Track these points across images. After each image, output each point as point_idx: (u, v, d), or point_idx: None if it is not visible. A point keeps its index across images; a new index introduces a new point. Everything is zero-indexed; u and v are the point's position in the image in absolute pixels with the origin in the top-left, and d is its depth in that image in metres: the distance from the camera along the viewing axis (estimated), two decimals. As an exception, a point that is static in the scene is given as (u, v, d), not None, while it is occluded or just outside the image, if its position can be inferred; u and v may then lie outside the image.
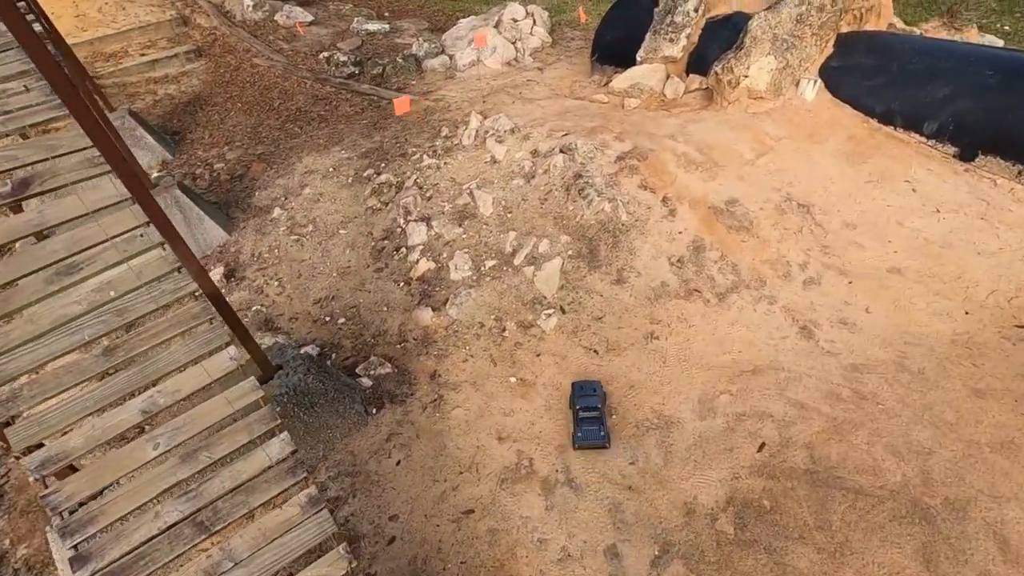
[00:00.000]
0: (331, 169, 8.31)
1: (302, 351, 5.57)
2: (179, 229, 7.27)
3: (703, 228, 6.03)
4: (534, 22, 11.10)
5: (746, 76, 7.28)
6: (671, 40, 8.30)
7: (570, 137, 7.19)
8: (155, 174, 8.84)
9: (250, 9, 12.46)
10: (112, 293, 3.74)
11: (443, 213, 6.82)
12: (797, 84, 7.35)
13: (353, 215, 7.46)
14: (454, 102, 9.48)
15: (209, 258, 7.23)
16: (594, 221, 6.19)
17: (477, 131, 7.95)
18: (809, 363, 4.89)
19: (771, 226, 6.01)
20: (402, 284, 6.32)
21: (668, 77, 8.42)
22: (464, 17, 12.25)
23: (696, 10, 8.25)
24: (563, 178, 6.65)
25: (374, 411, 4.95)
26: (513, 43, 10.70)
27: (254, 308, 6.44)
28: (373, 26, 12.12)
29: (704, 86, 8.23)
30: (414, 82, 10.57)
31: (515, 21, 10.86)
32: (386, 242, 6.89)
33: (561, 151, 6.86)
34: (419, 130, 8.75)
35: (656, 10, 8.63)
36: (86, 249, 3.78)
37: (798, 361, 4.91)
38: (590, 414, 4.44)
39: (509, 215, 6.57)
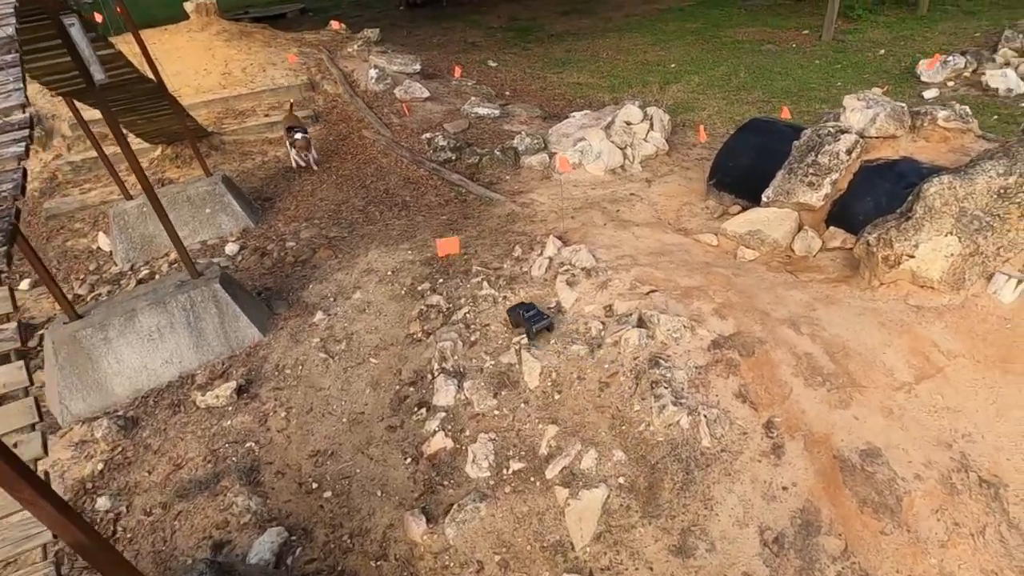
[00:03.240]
0: (390, 272, 7.09)
1: (260, 539, 4.21)
2: (211, 324, 6.38)
3: (821, 491, 3.91)
4: (651, 126, 9.39)
5: (911, 256, 5.07)
6: (811, 184, 6.22)
7: (656, 297, 5.37)
8: (229, 244, 8.21)
9: (373, 80, 11.98)
10: (-63, 534, 2.63)
11: (481, 371, 5.25)
12: (990, 278, 5.00)
13: (391, 340, 6.11)
14: (540, 211, 7.99)
15: (235, 359, 6.20)
16: (662, 438, 4.29)
17: (551, 261, 6.35)
18: None
19: (932, 513, 3.75)
20: (409, 460, 4.78)
21: (800, 228, 6.32)
22: (580, 110, 10.89)
23: (849, 152, 6.14)
24: (635, 359, 4.83)
25: None
26: (623, 149, 9.07)
27: (247, 444, 5.21)
28: (483, 110, 11.08)
29: (848, 246, 6.06)
30: (507, 178, 9.24)
31: (628, 124, 9.22)
32: (411, 389, 5.43)
33: (639, 323, 5.06)
34: (493, 241, 7.31)
35: (795, 143, 6.61)
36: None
37: None
38: (531, 312, 5.29)
39: (557, 395, 4.85)
